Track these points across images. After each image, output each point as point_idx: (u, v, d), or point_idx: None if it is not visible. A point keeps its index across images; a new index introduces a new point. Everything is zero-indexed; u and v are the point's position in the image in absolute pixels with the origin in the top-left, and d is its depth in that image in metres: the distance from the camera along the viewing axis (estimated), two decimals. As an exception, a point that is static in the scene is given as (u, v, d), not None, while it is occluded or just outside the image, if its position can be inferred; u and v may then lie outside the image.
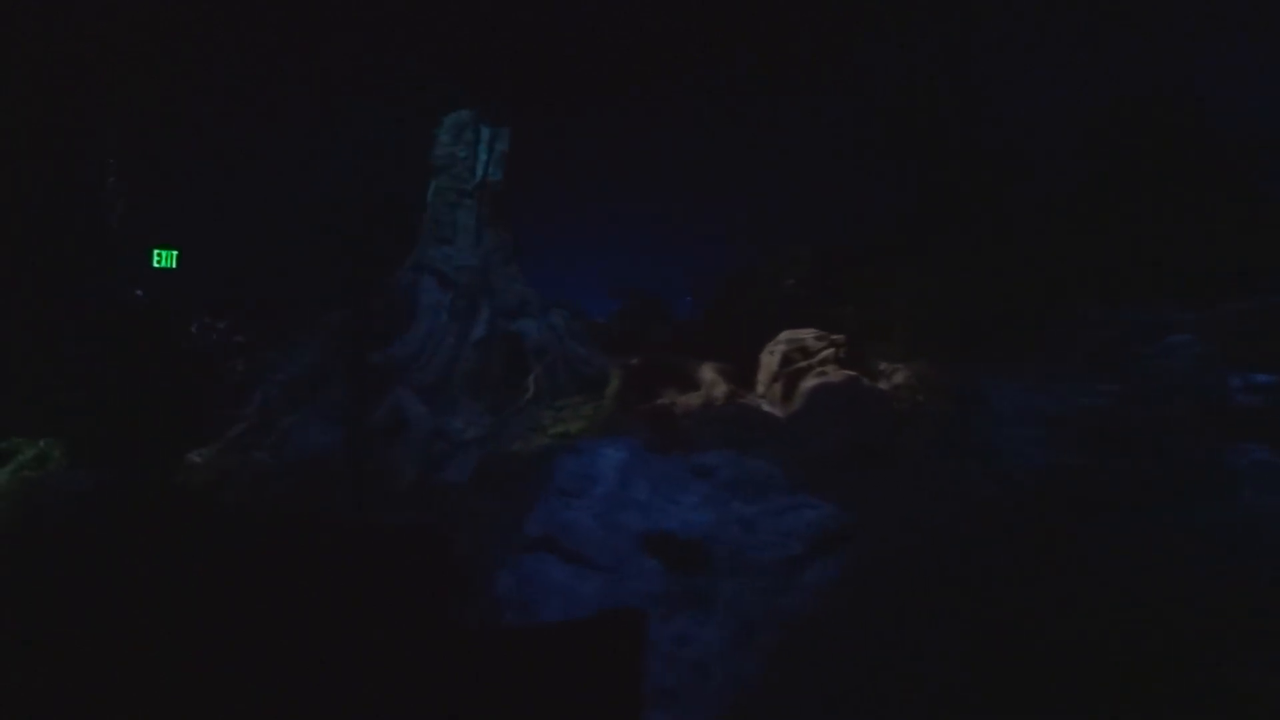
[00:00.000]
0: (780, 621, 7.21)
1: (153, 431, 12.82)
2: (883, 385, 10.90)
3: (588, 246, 16.02)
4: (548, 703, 7.03)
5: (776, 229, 14.81)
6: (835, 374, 11.00)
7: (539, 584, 8.00)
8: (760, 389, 11.82)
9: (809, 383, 11.05)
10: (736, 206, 15.88)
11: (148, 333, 14.28)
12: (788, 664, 7.06)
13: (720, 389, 11.86)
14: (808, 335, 11.83)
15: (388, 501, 11.37)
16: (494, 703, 7.26)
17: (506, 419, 12.56)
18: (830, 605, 7.11)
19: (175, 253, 14.86)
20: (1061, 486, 7.97)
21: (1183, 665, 6.13)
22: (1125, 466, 8.16)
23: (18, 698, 6.27)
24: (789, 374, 11.51)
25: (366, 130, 14.50)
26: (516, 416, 12.53)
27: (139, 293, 14.15)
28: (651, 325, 14.30)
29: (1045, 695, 6.24)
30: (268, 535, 10.44)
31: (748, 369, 12.49)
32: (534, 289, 14.17)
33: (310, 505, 11.45)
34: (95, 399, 13.35)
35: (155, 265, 14.89)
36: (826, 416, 10.09)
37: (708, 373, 12.12)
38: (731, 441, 9.65)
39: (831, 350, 11.54)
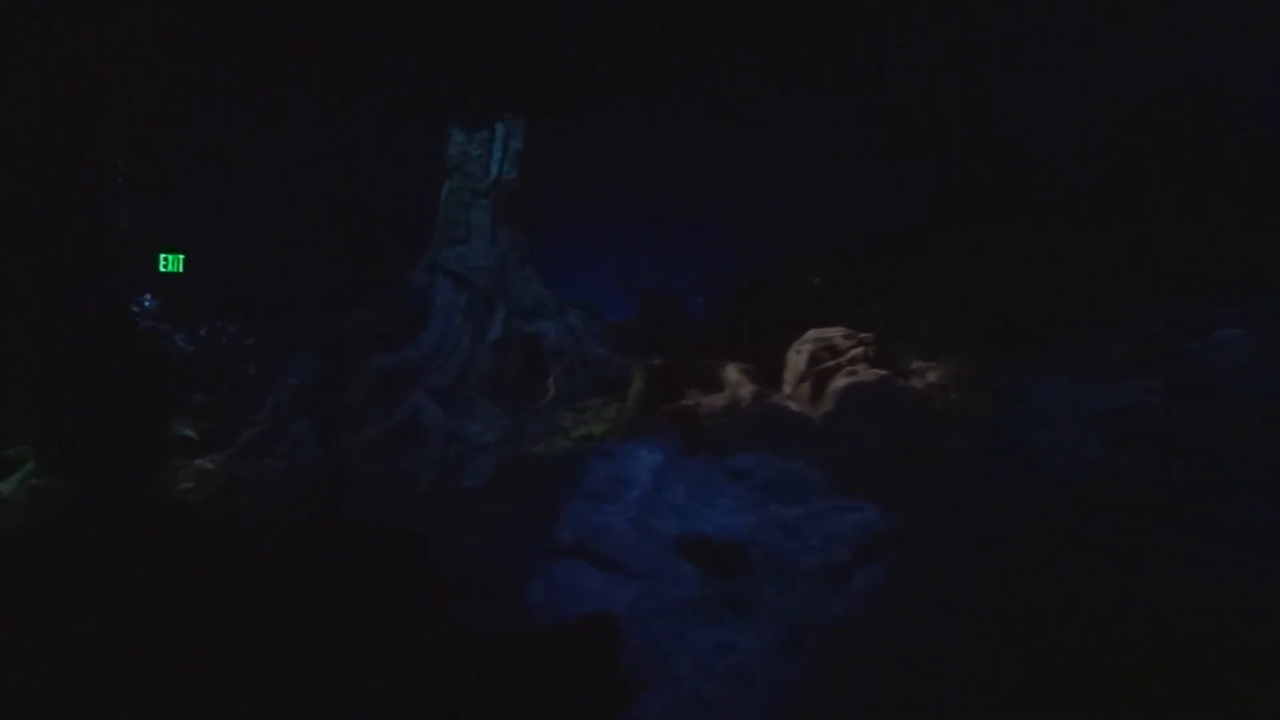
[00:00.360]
0: (826, 629, 6.90)
1: (156, 437, 12.51)
2: (915, 384, 10.59)
3: (601, 246, 15.72)
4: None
5: (794, 228, 14.53)
6: (866, 373, 10.70)
7: (572, 592, 7.71)
8: (787, 389, 11.52)
9: (839, 382, 10.75)
10: (751, 205, 15.59)
11: (146, 338, 14.01)
12: (835, 673, 6.76)
13: (746, 389, 11.58)
14: (835, 334, 11.54)
15: (404, 506, 11.06)
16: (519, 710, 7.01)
17: (525, 422, 12.26)
18: (878, 612, 6.81)
19: (182, 257, 14.56)
20: (1112, 489, 7.67)
21: (1240, 673, 5.86)
22: (1178, 468, 7.86)
23: (30, 704, 5.99)
24: (818, 373, 11.21)
25: (377, 129, 14.21)
26: (535, 419, 12.23)
27: (147, 298, 13.85)
28: (669, 326, 13.99)
29: (1099, 705, 5.96)
30: (282, 542, 10.16)
31: (771, 369, 12.19)
32: (549, 289, 13.87)
33: (327, 511, 11.15)
34: (90, 405, 13.05)
35: (161, 270, 14.58)
36: (860, 416, 9.79)
37: (732, 373, 11.84)
38: (763, 443, 9.36)
39: (861, 349, 11.25)
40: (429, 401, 12.56)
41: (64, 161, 14.34)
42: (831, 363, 11.30)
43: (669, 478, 8.08)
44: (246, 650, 7.50)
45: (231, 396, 13.74)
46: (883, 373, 10.58)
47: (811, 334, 11.69)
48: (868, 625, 6.83)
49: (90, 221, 14.52)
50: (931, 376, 10.83)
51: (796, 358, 11.59)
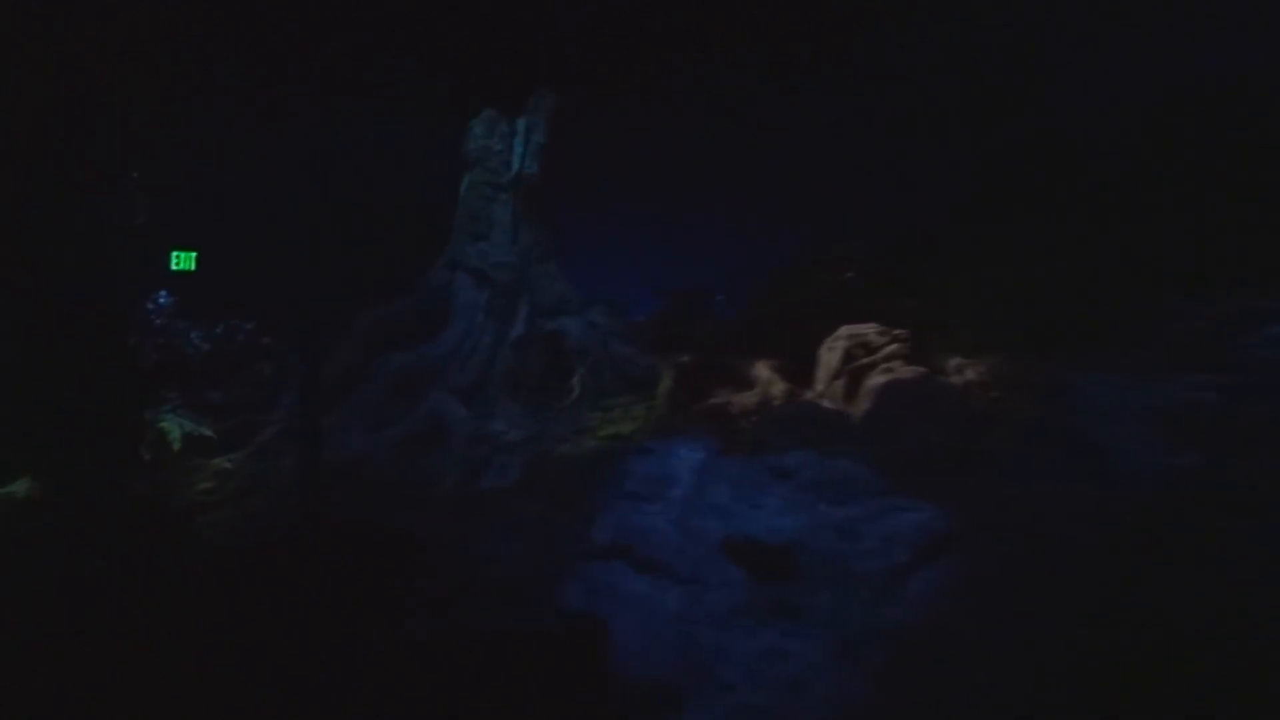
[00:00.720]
0: (886, 635, 6.62)
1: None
2: (954, 382, 10.32)
3: (619, 242, 15.42)
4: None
5: (821, 222, 14.26)
6: (905, 370, 10.43)
7: (613, 595, 7.43)
8: (819, 387, 11.25)
9: (876, 380, 10.48)
10: (774, 201, 15.32)
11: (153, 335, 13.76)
12: (895, 681, 6.47)
13: (777, 387, 11.32)
14: (869, 330, 11.26)
15: (429, 507, 10.79)
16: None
17: (550, 421, 11.97)
18: (938, 617, 6.52)
19: (194, 254, 14.28)
20: (1177, 489, 7.38)
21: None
22: (1241, 467, 7.57)
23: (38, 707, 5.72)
24: (852, 371, 10.94)
25: (392, 124, 13.94)
26: (561, 418, 11.94)
27: (162, 295, 13.58)
28: (693, 323, 13.71)
29: (1171, 715, 5.69)
30: (305, 542, 9.89)
31: (800, 367, 11.92)
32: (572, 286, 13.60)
33: (347, 512, 10.86)
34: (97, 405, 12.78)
35: (174, 268, 14.29)
36: (901, 415, 9.51)
37: (763, 371, 11.57)
38: (800, 442, 9.07)
39: (896, 346, 10.98)
40: (452, 401, 12.29)
41: (73, 157, 14.05)
42: (866, 360, 11.03)
43: (712, 477, 7.79)
44: (269, 655, 7.24)
45: (248, 395, 13.46)
46: (922, 370, 10.30)
47: (844, 330, 11.41)
48: (928, 631, 6.55)
49: (94, 218, 14.22)
50: (971, 374, 10.55)
51: (829, 355, 11.32)
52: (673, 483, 7.79)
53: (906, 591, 6.60)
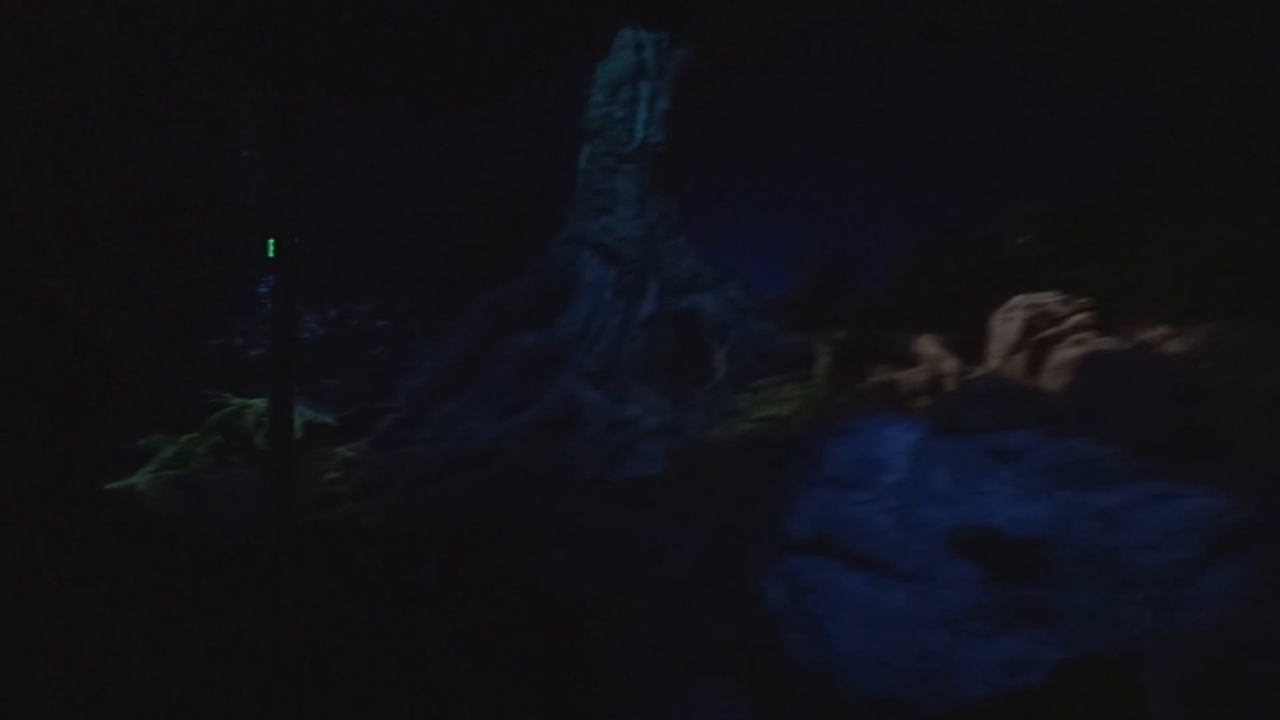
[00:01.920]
0: (1173, 644, 5.59)
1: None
2: (1165, 352, 9.20)
3: (741, 212, 14.45)
4: None
5: (964, 187, 13.12)
6: (1103, 342, 9.33)
7: (823, 595, 6.52)
8: (994, 361, 10.18)
9: (1068, 353, 9.40)
10: (904, 165, 14.20)
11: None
12: (1190, 696, 5.45)
13: (949, 363, 10.29)
14: (1049, 299, 10.15)
15: (572, 498, 10.03)
16: None
17: (692, 405, 11.12)
18: (1248, 623, 5.47)
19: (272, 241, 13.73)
20: None
21: None
22: None
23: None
24: (1035, 344, 9.86)
25: (508, 90, 13.15)
26: (703, 402, 11.08)
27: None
28: (835, 297, 12.73)
29: None
30: (452, 537, 9.18)
31: (962, 341, 10.87)
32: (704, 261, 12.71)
33: (486, 504, 10.14)
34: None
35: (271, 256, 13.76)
36: (1111, 391, 8.40)
37: (930, 346, 10.54)
38: (1006, 420, 8.04)
39: (1083, 315, 9.86)
40: (584, 383, 11.51)
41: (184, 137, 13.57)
42: (1050, 331, 9.94)
43: (931, 460, 6.83)
44: (433, 653, 6.60)
45: (364, 381, 12.89)
46: (1127, 341, 9.20)
47: (1020, 300, 10.31)
48: (1228, 641, 5.50)
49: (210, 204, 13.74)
50: (1175, 345, 9.41)
51: (1005, 326, 10.23)
52: (885, 467, 6.86)
53: (1200, 592, 5.55)
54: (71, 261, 11.68)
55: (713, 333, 11.89)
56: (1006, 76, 11.83)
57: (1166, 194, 10.29)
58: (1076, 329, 9.83)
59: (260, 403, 11.35)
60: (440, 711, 6.08)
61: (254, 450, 11.40)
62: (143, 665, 5.00)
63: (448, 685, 6.34)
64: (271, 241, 14.47)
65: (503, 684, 6.48)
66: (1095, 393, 8.65)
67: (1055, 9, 11.00)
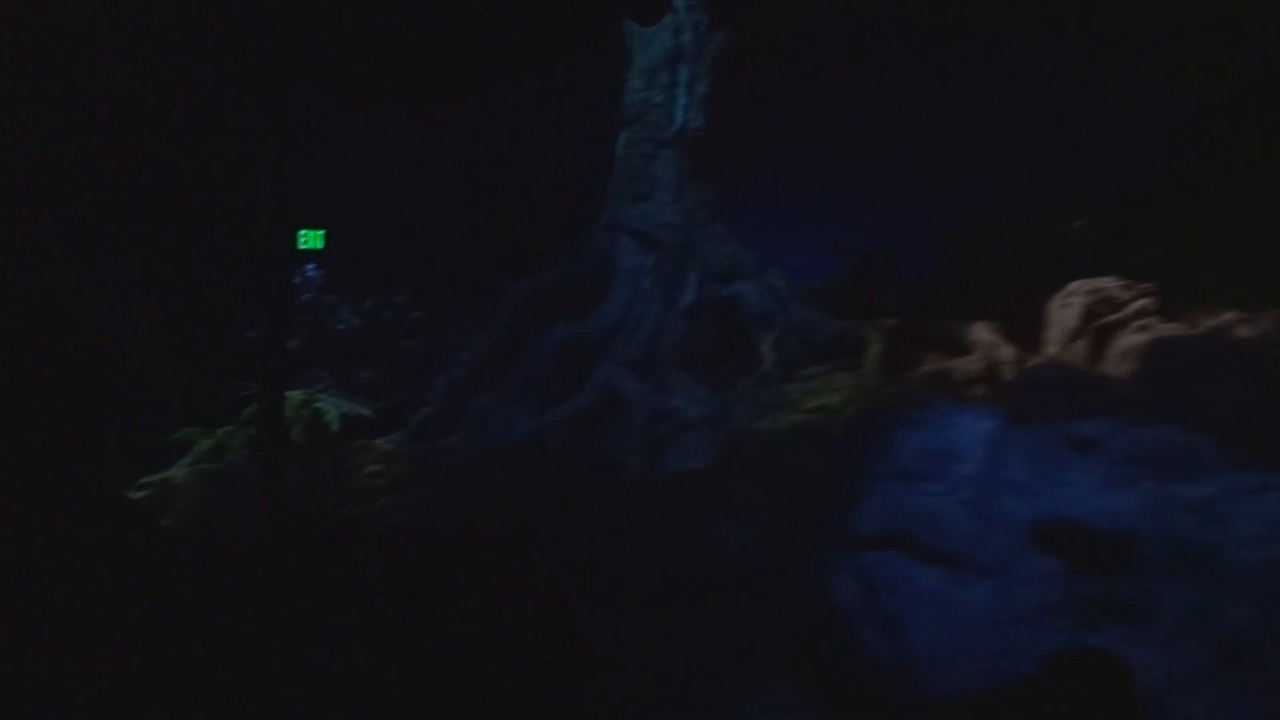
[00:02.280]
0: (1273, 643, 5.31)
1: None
2: (1234, 339, 8.88)
3: (780, 200, 14.13)
4: None
5: (1008, 174, 12.78)
6: (1169, 328, 9.02)
7: (897, 591, 6.25)
8: (1053, 349, 9.89)
9: (1133, 339, 9.13)
10: (942, 156, 13.84)
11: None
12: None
13: (1005, 350, 9.99)
14: (1109, 284, 9.85)
15: (619, 491, 9.76)
16: None
17: (738, 396, 10.85)
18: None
19: (322, 233, 13.51)
20: None
21: None
22: None
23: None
24: (1096, 330, 9.56)
25: (541, 75, 12.85)
26: (749, 392, 10.80)
27: (310, 268, 12.86)
28: (880, 285, 12.43)
29: None
30: (497, 531, 8.93)
31: (1016, 328, 10.56)
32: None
33: (529, 499, 9.91)
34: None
35: (301, 247, 13.55)
36: (1182, 378, 8.10)
37: (984, 333, 10.25)
38: (1076, 409, 7.76)
39: (1146, 300, 9.56)
40: (625, 374, 11.25)
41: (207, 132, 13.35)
42: (1112, 317, 9.64)
43: (1007, 450, 6.55)
44: (483, 651, 6.33)
45: (400, 373, 12.69)
46: (1195, 327, 8.88)
47: (1079, 285, 10.02)
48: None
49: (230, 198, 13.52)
50: (1246, 330, 9.08)
51: (1064, 312, 9.94)
52: (958, 457, 6.57)
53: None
54: (97, 258, 11.52)
55: (756, 322, 11.59)
56: (1050, 61, 11.48)
57: (1218, 179, 9.95)
58: (1139, 314, 9.55)
59: (297, 395, 11.17)
60: (485, 706, 5.87)
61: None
62: (163, 664, 4.82)
63: (489, 682, 6.10)
64: (303, 234, 14.29)
65: (547, 679, 6.25)
66: (1168, 380, 8.35)
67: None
